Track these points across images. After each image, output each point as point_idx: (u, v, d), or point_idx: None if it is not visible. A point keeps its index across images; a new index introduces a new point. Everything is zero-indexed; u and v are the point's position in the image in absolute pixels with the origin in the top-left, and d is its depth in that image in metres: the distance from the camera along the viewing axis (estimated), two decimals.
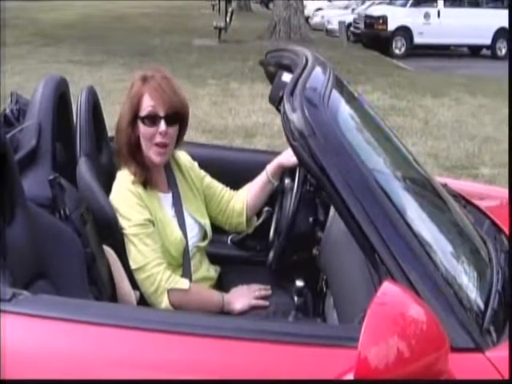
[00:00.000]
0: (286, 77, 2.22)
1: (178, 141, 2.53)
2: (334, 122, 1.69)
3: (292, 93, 1.73)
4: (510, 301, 1.53)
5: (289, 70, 2.27)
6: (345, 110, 2.03)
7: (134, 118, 2.41)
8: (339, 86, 2.14)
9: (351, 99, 2.26)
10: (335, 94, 1.93)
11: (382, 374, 1.32)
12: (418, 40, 20.04)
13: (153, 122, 2.39)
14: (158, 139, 2.40)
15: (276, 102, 2.15)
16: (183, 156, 2.74)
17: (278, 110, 1.82)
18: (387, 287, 1.39)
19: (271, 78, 2.66)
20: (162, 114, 2.38)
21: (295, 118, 1.63)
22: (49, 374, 1.52)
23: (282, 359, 1.52)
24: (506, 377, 1.48)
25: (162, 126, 2.38)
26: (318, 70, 2.00)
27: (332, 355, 1.50)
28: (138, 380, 1.53)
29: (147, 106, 2.38)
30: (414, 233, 1.60)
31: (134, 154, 2.45)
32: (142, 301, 2.39)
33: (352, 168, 1.61)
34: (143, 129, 2.40)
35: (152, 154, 2.43)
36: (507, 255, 2.09)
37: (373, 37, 20.54)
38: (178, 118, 2.43)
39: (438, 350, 1.38)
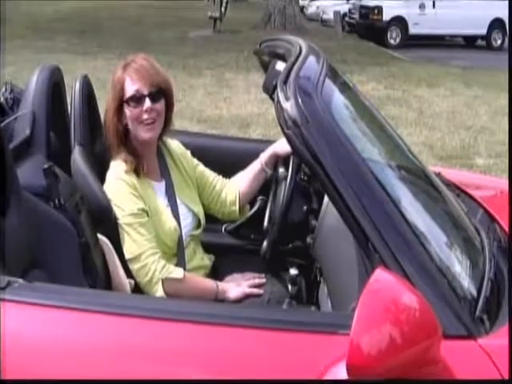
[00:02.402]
0: (280, 66, 2.22)
1: (167, 120, 2.54)
2: (328, 110, 1.69)
3: (285, 81, 1.73)
4: (509, 300, 1.54)
5: (283, 59, 2.26)
6: (338, 99, 2.03)
7: (120, 104, 2.43)
8: (333, 75, 2.14)
9: (345, 88, 2.26)
10: (329, 83, 1.93)
11: (374, 361, 1.33)
12: (413, 30, 20.02)
13: (138, 102, 2.41)
14: (145, 116, 2.42)
15: (270, 90, 2.15)
16: (175, 145, 2.74)
17: (272, 99, 1.82)
18: (380, 274, 1.40)
19: (265, 67, 2.65)
20: (145, 92, 2.41)
21: (288, 106, 1.63)
22: (44, 361, 1.53)
23: (274, 346, 1.53)
24: (499, 365, 1.49)
25: (147, 103, 2.40)
26: (312, 59, 2.00)
27: (325, 342, 1.51)
28: (139, 380, 1.54)
29: (130, 88, 2.41)
30: (407, 221, 1.61)
31: (124, 142, 2.48)
32: (137, 290, 2.39)
33: (345, 156, 1.61)
34: (129, 111, 2.43)
35: (141, 133, 2.45)
36: (500, 244, 2.10)
37: (368, 27, 20.51)
38: (161, 93, 2.45)
39: (431, 337, 1.39)
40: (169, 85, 2.51)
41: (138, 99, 2.41)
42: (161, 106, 2.46)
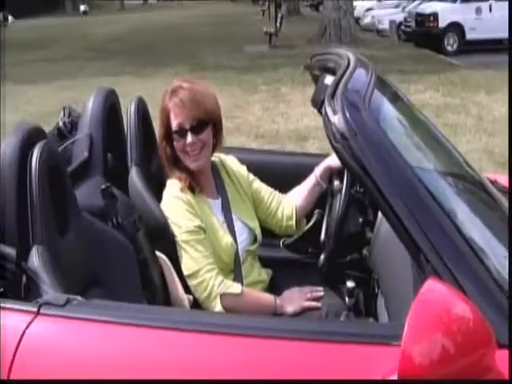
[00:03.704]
0: (329, 80, 2.23)
1: (217, 141, 2.58)
2: (376, 122, 1.69)
3: (333, 95, 1.74)
4: (509, 300, 1.51)
5: (332, 72, 2.28)
6: (388, 110, 2.03)
7: (166, 133, 2.48)
8: (382, 86, 2.15)
9: (395, 99, 2.26)
10: (377, 94, 1.93)
11: (426, 371, 1.32)
12: (470, 36, 19.72)
13: (181, 136, 2.45)
14: (189, 149, 2.46)
15: (318, 105, 2.16)
16: (231, 161, 2.78)
17: (320, 113, 1.84)
18: (431, 284, 1.39)
19: (317, 81, 2.67)
20: (187, 126, 2.44)
21: (336, 119, 1.64)
22: (103, 376, 1.57)
23: (325, 358, 1.54)
24: None
25: (189, 137, 2.44)
26: (360, 71, 2.01)
27: (378, 354, 1.51)
28: (139, 380, 1.56)
29: (173, 123, 2.46)
30: (459, 230, 1.59)
31: (175, 163, 2.53)
32: (196, 305, 2.42)
33: (394, 167, 1.61)
34: (175, 142, 2.48)
35: (188, 163, 2.50)
36: None
37: (424, 34, 20.30)
38: (205, 123, 2.47)
39: (485, 346, 1.37)
40: (212, 112, 2.51)
41: (180, 133, 2.45)
42: (205, 135, 2.48)
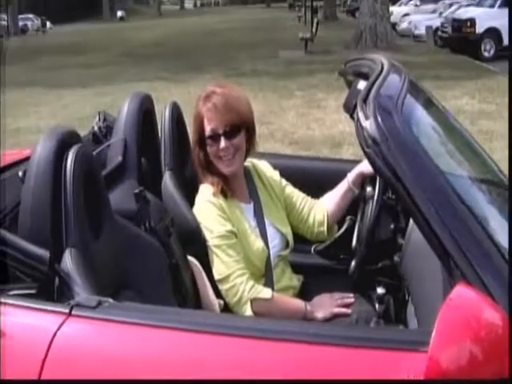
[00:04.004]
0: (361, 85, 2.23)
1: (250, 146, 2.59)
2: (408, 127, 1.69)
3: (365, 100, 1.74)
4: (509, 299, 1.49)
5: (366, 77, 2.27)
6: (420, 116, 2.02)
7: (200, 138, 2.50)
8: (415, 91, 2.14)
9: (428, 105, 2.25)
10: (410, 99, 1.92)
11: (453, 377, 1.31)
12: (507, 41, 19.53)
13: (214, 141, 2.47)
14: (222, 154, 2.48)
15: (350, 110, 2.16)
16: (264, 166, 2.79)
17: (353, 118, 1.83)
18: (460, 290, 1.38)
19: (350, 86, 2.67)
20: (220, 131, 2.46)
21: (368, 124, 1.64)
22: (135, 376, 1.58)
23: (352, 364, 1.53)
24: None
25: (222, 142, 2.46)
26: (393, 76, 2.00)
27: (406, 360, 1.50)
28: (139, 380, 1.57)
29: (207, 128, 2.48)
30: (490, 236, 1.58)
31: (208, 168, 2.54)
32: (227, 310, 2.43)
33: (425, 173, 1.60)
34: (208, 148, 2.50)
35: (221, 167, 2.51)
36: None
37: (461, 40, 20.15)
38: (238, 128, 2.49)
39: None
40: (245, 117, 2.53)
41: (214, 138, 2.47)
42: (239, 140, 2.50)
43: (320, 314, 2.49)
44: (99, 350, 1.62)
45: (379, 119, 1.64)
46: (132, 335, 1.66)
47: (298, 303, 2.52)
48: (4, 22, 45.46)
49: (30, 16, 51.59)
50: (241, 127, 2.50)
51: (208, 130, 2.47)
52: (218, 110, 2.46)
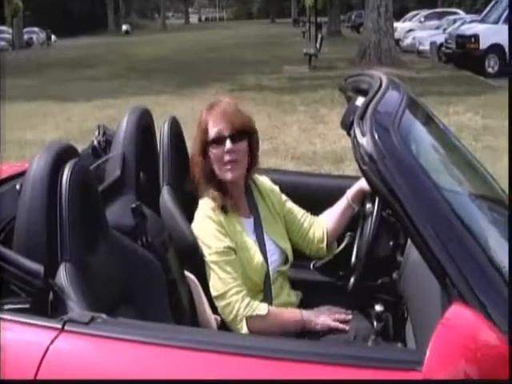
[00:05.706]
0: (360, 101, 2.22)
1: (253, 159, 2.59)
2: (405, 145, 1.67)
3: (362, 117, 1.73)
4: (509, 300, 1.47)
5: (365, 94, 2.26)
6: (419, 133, 2.01)
7: (204, 145, 2.49)
8: (414, 108, 2.13)
9: (427, 121, 2.24)
10: (409, 116, 1.92)
11: None
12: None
13: (219, 144, 2.47)
14: (227, 157, 2.47)
15: (347, 126, 2.15)
16: (264, 181, 2.79)
17: (349, 135, 1.82)
18: (456, 310, 1.37)
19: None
20: (226, 133, 2.47)
21: (365, 141, 1.62)
22: None
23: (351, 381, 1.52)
24: None
25: (228, 144, 2.46)
26: (392, 93, 1.99)
27: (402, 379, 1.48)
28: (139, 380, 1.56)
29: (212, 130, 2.48)
30: (488, 255, 1.56)
31: (211, 181, 2.53)
32: (223, 326, 2.42)
33: (422, 191, 1.59)
34: (213, 152, 2.49)
35: (224, 173, 2.51)
36: None
37: (465, 56, 20.14)
38: (243, 134, 2.50)
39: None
40: (251, 126, 2.56)
41: (219, 140, 2.47)
42: (243, 146, 2.51)
43: (318, 324, 2.47)
44: (91, 366, 1.61)
45: (376, 136, 1.63)
46: (125, 352, 1.64)
47: (294, 315, 2.50)
48: (9, 35, 45.62)
49: (35, 29, 51.77)
50: (245, 135, 2.51)
51: (214, 132, 2.48)
52: (225, 113, 2.49)
